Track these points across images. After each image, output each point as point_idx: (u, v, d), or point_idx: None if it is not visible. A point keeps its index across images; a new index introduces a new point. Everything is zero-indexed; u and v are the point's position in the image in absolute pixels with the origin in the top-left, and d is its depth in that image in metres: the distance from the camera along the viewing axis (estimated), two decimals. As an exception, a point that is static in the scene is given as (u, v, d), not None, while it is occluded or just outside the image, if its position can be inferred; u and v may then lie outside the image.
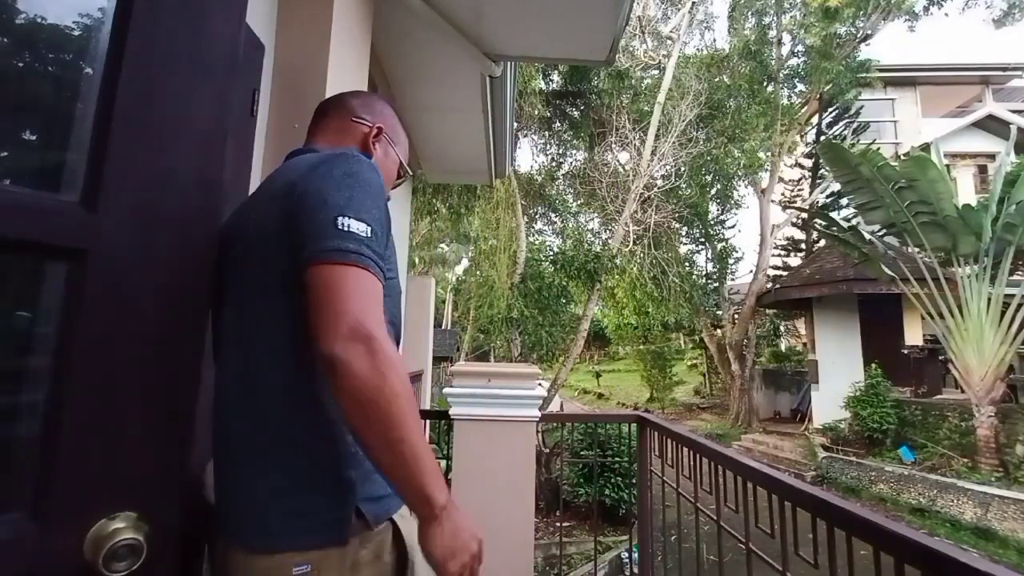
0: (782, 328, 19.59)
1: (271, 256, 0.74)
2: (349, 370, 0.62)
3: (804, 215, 14.85)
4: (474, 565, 0.71)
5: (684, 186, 13.42)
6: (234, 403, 0.76)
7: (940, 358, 9.48)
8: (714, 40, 21.94)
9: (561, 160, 14.11)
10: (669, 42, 14.00)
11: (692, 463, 1.54)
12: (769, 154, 14.19)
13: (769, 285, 14.23)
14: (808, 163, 16.95)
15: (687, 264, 15.13)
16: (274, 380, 0.74)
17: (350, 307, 0.65)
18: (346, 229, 0.68)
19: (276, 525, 0.69)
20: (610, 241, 12.55)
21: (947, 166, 9.68)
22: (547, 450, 8.35)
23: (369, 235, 0.71)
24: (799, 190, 17.48)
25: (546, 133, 13.66)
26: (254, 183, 1.65)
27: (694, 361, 22.34)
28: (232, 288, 0.80)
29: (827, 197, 15.92)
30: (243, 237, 0.79)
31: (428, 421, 2.33)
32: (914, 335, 10.98)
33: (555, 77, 13.05)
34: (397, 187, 1.08)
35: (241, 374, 0.76)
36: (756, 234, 16.23)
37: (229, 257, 0.80)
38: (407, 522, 0.79)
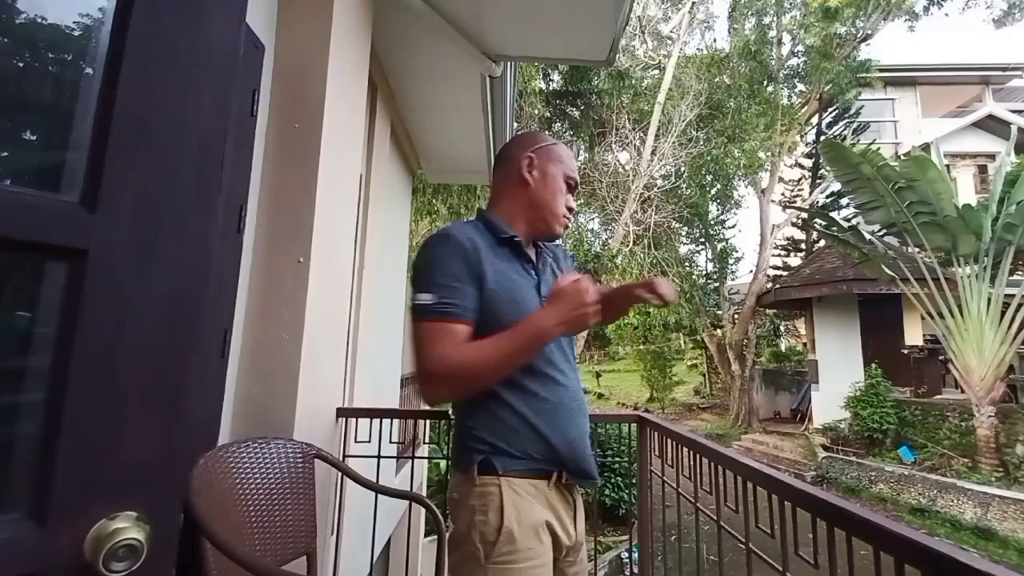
0: (782, 328, 19.60)
1: None
2: (433, 400, 1.07)
3: (804, 215, 14.84)
4: (587, 309, 0.99)
5: (684, 186, 13.43)
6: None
7: (940, 358, 9.48)
8: (714, 40, 21.91)
9: (561, 160, 14.09)
10: (669, 42, 14.04)
11: (692, 463, 1.53)
12: (769, 154, 14.19)
13: (769, 285, 14.21)
14: (808, 163, 16.96)
15: (687, 264, 15.15)
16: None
17: (420, 355, 0.99)
18: (417, 303, 1.01)
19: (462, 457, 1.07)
20: (610, 241, 12.57)
21: (947, 166, 9.69)
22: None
23: (430, 300, 1.00)
24: (799, 190, 17.49)
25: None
26: (254, 183, 1.65)
27: (694, 361, 22.34)
28: None
29: (827, 197, 15.93)
30: None
31: (428, 421, 2.33)
32: (914, 335, 10.98)
33: (555, 77, 13.07)
34: (575, 191, 1.25)
35: None
36: (756, 234, 16.25)
37: None
38: (515, 497, 1.02)
